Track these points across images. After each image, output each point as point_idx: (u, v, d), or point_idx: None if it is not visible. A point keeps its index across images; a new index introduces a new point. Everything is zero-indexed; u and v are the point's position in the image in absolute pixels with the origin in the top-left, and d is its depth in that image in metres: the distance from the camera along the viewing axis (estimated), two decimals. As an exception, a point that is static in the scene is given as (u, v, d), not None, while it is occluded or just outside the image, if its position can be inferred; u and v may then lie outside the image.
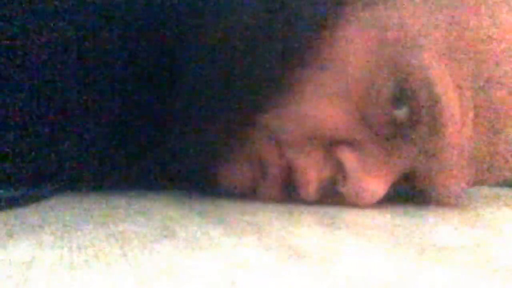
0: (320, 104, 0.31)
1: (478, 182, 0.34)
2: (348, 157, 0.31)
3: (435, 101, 0.29)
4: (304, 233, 0.22)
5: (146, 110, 0.33)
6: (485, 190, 0.53)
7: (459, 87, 0.29)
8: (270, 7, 0.31)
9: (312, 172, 0.32)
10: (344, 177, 0.31)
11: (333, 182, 0.32)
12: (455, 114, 0.29)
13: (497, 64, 0.30)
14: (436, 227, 0.26)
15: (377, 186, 0.31)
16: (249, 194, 0.34)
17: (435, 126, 0.29)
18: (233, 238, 0.21)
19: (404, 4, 0.31)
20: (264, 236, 0.21)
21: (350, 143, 0.31)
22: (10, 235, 0.20)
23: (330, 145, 0.32)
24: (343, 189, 0.31)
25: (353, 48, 0.31)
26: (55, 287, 0.13)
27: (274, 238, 0.21)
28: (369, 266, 0.17)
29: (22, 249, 0.17)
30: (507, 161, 0.31)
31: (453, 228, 0.26)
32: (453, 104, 0.29)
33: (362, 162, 0.31)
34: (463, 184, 0.32)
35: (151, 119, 0.33)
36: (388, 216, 0.29)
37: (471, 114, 0.30)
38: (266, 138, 0.32)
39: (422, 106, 0.29)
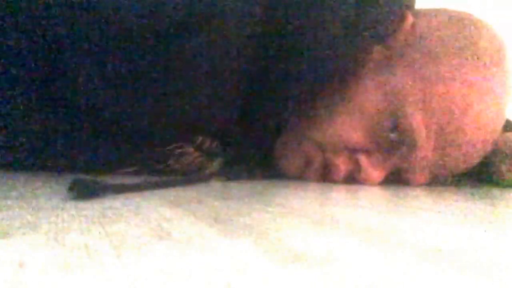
0: (348, 127, 0.54)
1: (437, 175, 0.57)
2: (362, 159, 0.55)
3: (412, 132, 0.52)
4: (302, 235, 0.22)
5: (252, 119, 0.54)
6: (484, 191, 0.53)
7: (427, 125, 0.52)
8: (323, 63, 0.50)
9: (341, 166, 0.56)
10: (359, 170, 0.55)
11: (352, 171, 0.56)
12: (423, 140, 0.52)
13: (450, 115, 0.51)
14: (434, 228, 0.26)
15: (377, 176, 0.55)
16: (296, 176, 0.59)
17: (412, 145, 0.53)
18: (228, 239, 0.20)
19: (398, 74, 0.53)
20: (260, 238, 0.21)
21: (364, 151, 0.55)
22: (2, 235, 0.19)
23: (352, 151, 0.55)
24: (358, 176, 0.56)
25: (369, 95, 0.53)
26: (47, 288, 0.13)
27: (270, 239, 0.21)
28: (367, 267, 0.16)
29: (14, 249, 0.17)
30: (452, 165, 0.55)
31: (452, 229, 0.26)
32: (422, 135, 0.52)
33: (370, 162, 0.55)
34: (426, 176, 0.56)
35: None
36: (386, 217, 0.29)
37: (432, 141, 0.53)
38: (313, 145, 0.56)
39: (405, 134, 0.53)
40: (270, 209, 0.30)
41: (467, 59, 0.52)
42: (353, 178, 0.56)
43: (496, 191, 0.56)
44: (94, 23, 0.43)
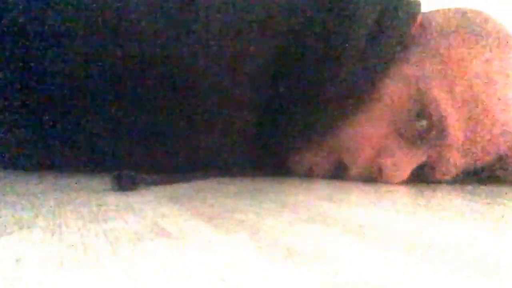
0: (369, 122, 0.52)
1: (466, 166, 0.53)
2: (383, 162, 0.52)
3: (441, 117, 0.49)
4: (296, 231, 0.22)
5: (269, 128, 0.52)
6: (482, 189, 0.54)
7: (456, 109, 0.49)
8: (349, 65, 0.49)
9: (355, 175, 0.54)
10: (379, 172, 0.52)
11: (372, 174, 0.53)
12: (454, 126, 0.50)
13: (476, 95, 0.49)
14: (429, 225, 0.26)
15: (400, 175, 0.52)
16: (308, 175, 0.57)
17: (442, 133, 0.50)
18: (224, 236, 0.21)
19: (416, 57, 0.52)
20: (256, 234, 0.21)
21: (385, 150, 0.52)
22: (-2, 232, 0.20)
23: (373, 151, 0.52)
24: (379, 178, 0.52)
25: (388, 84, 0.51)
26: (45, 284, 0.13)
27: (265, 236, 0.21)
28: (362, 265, 0.17)
29: (11, 246, 0.17)
30: (483, 152, 0.52)
31: (447, 226, 0.26)
32: (452, 120, 0.49)
33: (392, 162, 0.52)
34: (457, 163, 0.52)
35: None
36: (382, 214, 0.29)
37: (462, 125, 0.50)
38: (328, 153, 0.54)
39: (434, 120, 0.50)
40: (264, 205, 0.31)
41: (477, 40, 0.51)
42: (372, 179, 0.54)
43: (495, 189, 0.56)
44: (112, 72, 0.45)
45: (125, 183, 0.36)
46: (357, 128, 0.52)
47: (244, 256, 0.17)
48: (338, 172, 0.55)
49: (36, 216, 0.24)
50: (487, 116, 0.50)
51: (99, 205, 0.28)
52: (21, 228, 0.21)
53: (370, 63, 0.50)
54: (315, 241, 0.20)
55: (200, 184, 0.44)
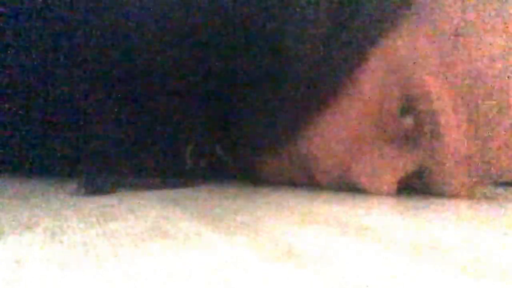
0: (338, 126, 0.40)
1: (480, 180, 0.40)
2: (360, 172, 0.40)
3: (433, 111, 0.37)
4: (297, 233, 0.22)
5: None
6: (483, 189, 0.53)
7: (453, 100, 0.37)
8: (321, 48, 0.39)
9: (329, 183, 0.42)
10: (355, 183, 0.41)
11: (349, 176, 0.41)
12: (450, 122, 0.37)
13: (483, 83, 0.36)
14: (430, 226, 0.26)
15: (383, 187, 0.40)
16: (280, 181, 0.46)
17: (435, 132, 0.37)
18: (225, 237, 0.21)
19: (408, 38, 0.38)
20: (257, 235, 0.21)
21: (362, 155, 0.40)
22: None
23: (348, 157, 0.41)
24: (355, 188, 0.41)
25: (365, 68, 0.39)
26: (45, 286, 0.13)
27: (266, 237, 0.21)
28: (363, 266, 0.17)
29: (12, 247, 0.17)
30: (501, 161, 0.38)
31: (448, 228, 0.26)
32: (447, 114, 0.37)
33: (370, 169, 0.40)
34: (461, 178, 0.39)
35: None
36: (382, 214, 0.29)
37: (464, 123, 0.37)
38: (297, 161, 0.43)
39: (423, 115, 0.37)
40: (265, 207, 0.31)
41: (503, 6, 0.37)
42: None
43: (496, 189, 0.56)
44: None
45: (98, 186, 0.33)
46: (323, 127, 0.41)
47: (244, 257, 0.17)
48: (309, 182, 0.44)
49: (37, 217, 0.24)
50: (503, 111, 0.36)
51: (101, 206, 0.28)
52: (21, 229, 0.21)
53: (342, 44, 0.38)
54: (315, 242, 0.20)
55: (200, 186, 0.44)
